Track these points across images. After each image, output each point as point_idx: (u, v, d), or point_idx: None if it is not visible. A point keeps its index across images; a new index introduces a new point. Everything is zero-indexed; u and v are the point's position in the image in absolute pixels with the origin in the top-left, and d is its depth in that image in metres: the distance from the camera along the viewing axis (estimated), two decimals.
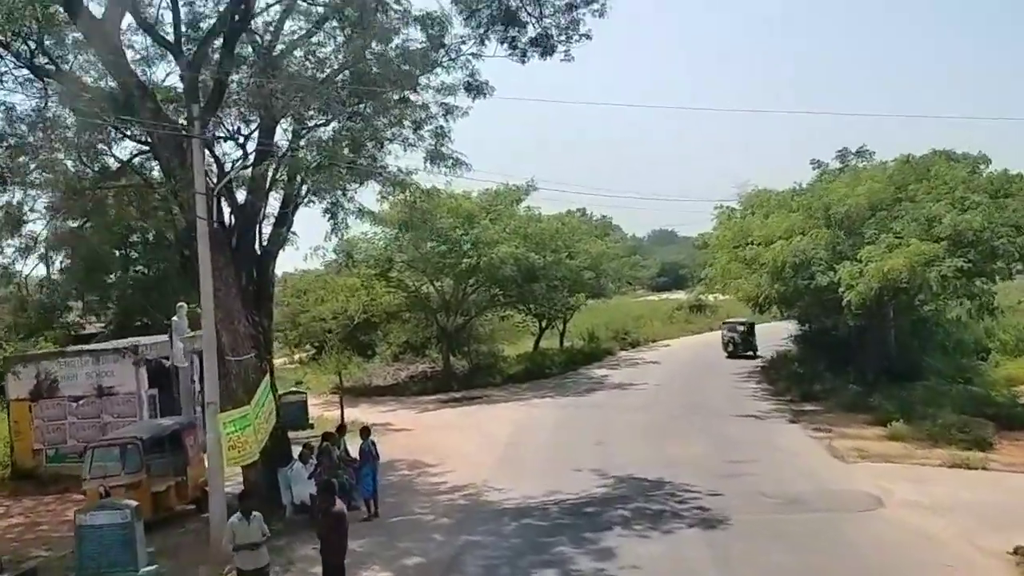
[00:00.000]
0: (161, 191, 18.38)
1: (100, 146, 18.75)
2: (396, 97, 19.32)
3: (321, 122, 20.21)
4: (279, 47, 19.81)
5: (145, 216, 20.85)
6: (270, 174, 19.49)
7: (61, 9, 16.92)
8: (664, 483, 19.21)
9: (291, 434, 28.67)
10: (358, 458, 18.26)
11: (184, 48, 18.09)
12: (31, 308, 23.96)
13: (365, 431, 18.39)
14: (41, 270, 40.70)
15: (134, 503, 13.96)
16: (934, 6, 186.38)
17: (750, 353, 44.51)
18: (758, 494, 18.01)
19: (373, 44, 18.91)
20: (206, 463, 16.17)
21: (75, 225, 19.61)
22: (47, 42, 18.69)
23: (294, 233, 20.32)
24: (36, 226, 22.51)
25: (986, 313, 34.39)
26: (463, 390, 37.97)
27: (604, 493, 18.65)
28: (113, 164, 20.33)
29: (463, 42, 20.15)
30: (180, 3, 18.46)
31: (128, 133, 18.87)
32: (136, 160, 20.86)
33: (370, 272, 37.24)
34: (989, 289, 29.64)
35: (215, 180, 19.56)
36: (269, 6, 19.59)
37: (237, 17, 18.21)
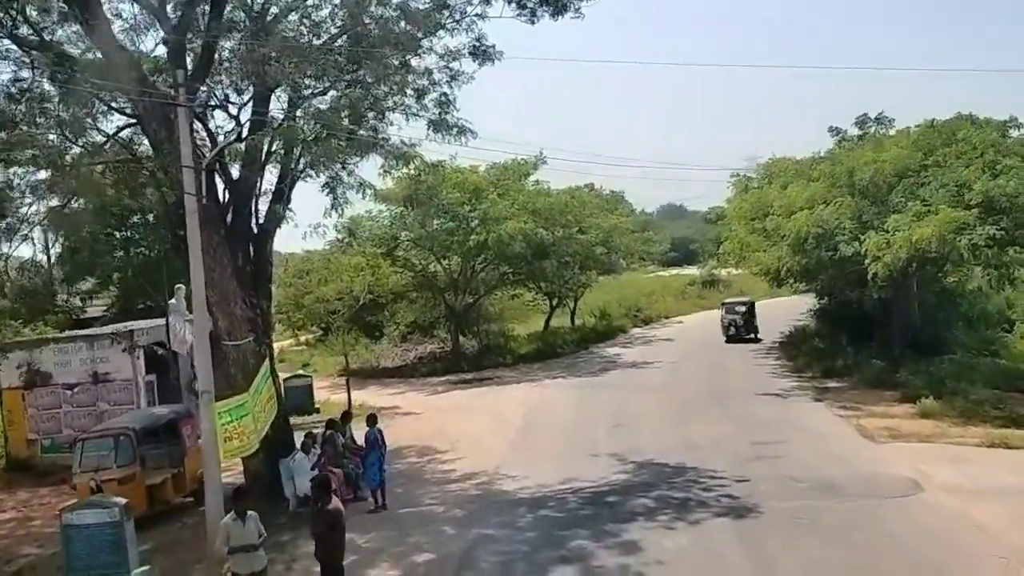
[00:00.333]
0: (149, 166, 17.27)
1: (85, 120, 17.60)
2: (397, 62, 18.09)
3: (319, 90, 19.08)
4: (272, 10, 18.61)
5: (134, 194, 19.76)
6: (265, 147, 18.36)
7: None
8: (687, 468, 18.17)
9: (297, 419, 28.04)
10: (364, 446, 17.27)
11: (170, 12, 16.91)
12: (10, 293, 22.92)
13: (371, 418, 17.40)
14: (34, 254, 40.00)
15: (123, 501, 13.00)
16: None
17: (751, 336, 41.48)
18: (788, 479, 16.94)
19: (372, 5, 17.70)
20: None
21: (58, 204, 18.54)
22: (30, 11, 17.60)
23: (291, 210, 19.19)
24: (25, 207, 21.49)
25: (1007, 283, 33.40)
26: (473, 371, 37.06)
27: (624, 480, 17.61)
28: (101, 139, 19.19)
29: (468, 1, 18.93)
30: None
31: (114, 105, 17.79)
32: (125, 134, 19.82)
33: (375, 251, 36.22)
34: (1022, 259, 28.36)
35: (213, 158, 18.58)
36: None
37: None
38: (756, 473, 17.42)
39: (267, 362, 17.37)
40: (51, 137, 17.86)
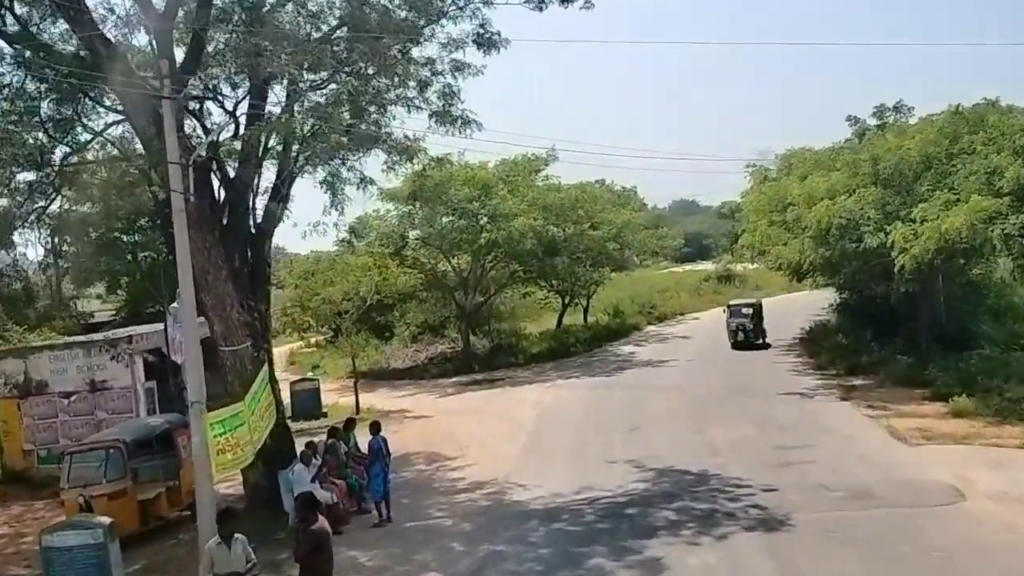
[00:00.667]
0: (139, 164, 16.43)
1: (70, 116, 16.79)
2: (397, 49, 17.16)
3: (317, 83, 18.20)
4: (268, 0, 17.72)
5: (124, 194, 18.94)
6: (262, 142, 17.47)
7: None
8: (710, 476, 17.16)
9: (304, 424, 27.25)
10: (368, 455, 16.36)
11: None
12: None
13: (375, 425, 16.47)
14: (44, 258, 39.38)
15: (107, 521, 12.14)
16: None
17: (760, 341, 36.95)
18: (818, 487, 15.92)
19: None
20: None
21: (43, 205, 17.74)
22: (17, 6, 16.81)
23: (289, 210, 18.30)
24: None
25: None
26: (484, 371, 36.14)
27: (644, 489, 16.62)
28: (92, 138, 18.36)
29: None
30: None
31: (103, 101, 16.96)
32: (118, 133, 19.02)
33: (383, 251, 35.35)
34: None
35: (204, 152, 17.72)
36: None
37: None
38: (784, 481, 16.41)
39: (266, 368, 16.48)
40: (37, 135, 17.01)
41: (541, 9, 18.54)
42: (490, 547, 14.01)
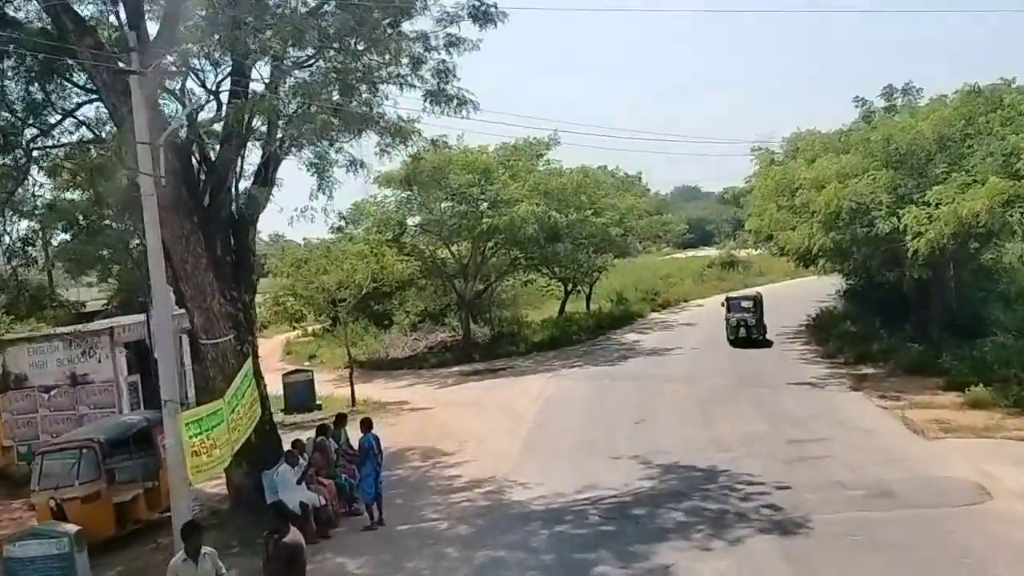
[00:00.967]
0: (112, 145, 15.47)
1: (39, 96, 15.82)
2: (388, 23, 16.16)
3: (302, 60, 17.19)
4: None
5: (98, 178, 17.94)
6: (244, 122, 16.47)
7: None
8: (720, 472, 16.25)
9: (298, 417, 26.38)
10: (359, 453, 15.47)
11: None
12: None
13: (366, 423, 15.54)
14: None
15: (73, 529, 11.28)
16: None
17: (761, 337, 33.46)
18: (836, 485, 15.02)
19: None
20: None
21: (10, 190, 16.67)
22: None
23: (274, 195, 17.30)
24: None
25: None
26: (485, 360, 35.25)
27: (650, 488, 15.72)
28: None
29: None
30: None
31: (73, 79, 15.97)
32: (94, 115, 18.02)
33: (380, 238, 34.39)
34: None
35: (184, 132, 16.77)
36: None
37: None
38: (799, 478, 15.51)
39: (250, 362, 15.53)
40: (4, 116, 16.02)
41: None
42: (488, 553, 13.12)
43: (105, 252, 41.77)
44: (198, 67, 16.62)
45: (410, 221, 36.27)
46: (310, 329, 45.18)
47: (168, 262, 16.17)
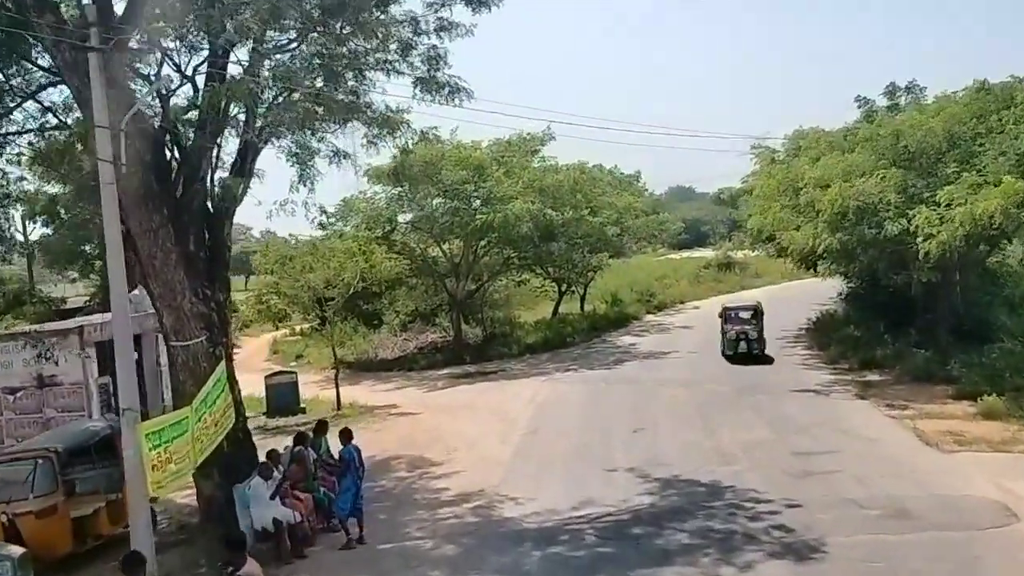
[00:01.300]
0: (76, 130, 14.41)
1: None
2: (374, 4, 15.11)
3: (284, 42, 16.13)
4: None
5: (58, 165, 16.88)
6: (221, 108, 15.38)
7: None
8: (724, 488, 15.25)
9: (281, 421, 25.29)
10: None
11: None
12: None
13: (346, 434, 14.46)
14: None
15: (18, 551, 10.20)
16: None
17: (761, 351, 30.00)
18: (849, 503, 14.02)
19: None
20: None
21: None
22: None
23: (251, 187, 16.19)
24: None
25: None
26: (476, 362, 34.20)
27: (651, 504, 14.69)
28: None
29: None
30: None
31: (33, 58, 14.89)
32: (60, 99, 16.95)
33: (369, 235, 33.34)
34: None
35: (159, 119, 15.71)
36: None
37: None
38: (809, 495, 14.52)
39: (223, 365, 14.47)
40: None
41: None
42: None
43: (87, 247, 40.70)
44: (172, 49, 15.46)
45: (401, 218, 35.32)
46: (298, 328, 44.06)
47: (136, 257, 15.24)
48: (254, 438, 22.87)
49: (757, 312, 30.79)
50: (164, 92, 16.04)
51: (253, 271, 27.47)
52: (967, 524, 12.79)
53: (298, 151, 15.89)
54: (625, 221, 40.98)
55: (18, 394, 19.96)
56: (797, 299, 43.45)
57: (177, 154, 16.00)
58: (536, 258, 37.87)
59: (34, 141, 17.04)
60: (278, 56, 16.30)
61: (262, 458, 14.90)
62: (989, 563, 11.42)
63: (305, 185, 15.84)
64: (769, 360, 29.62)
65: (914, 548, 12.03)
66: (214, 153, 16.23)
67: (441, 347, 37.17)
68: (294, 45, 16.30)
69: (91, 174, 17.33)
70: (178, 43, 15.60)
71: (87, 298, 42.59)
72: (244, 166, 16.44)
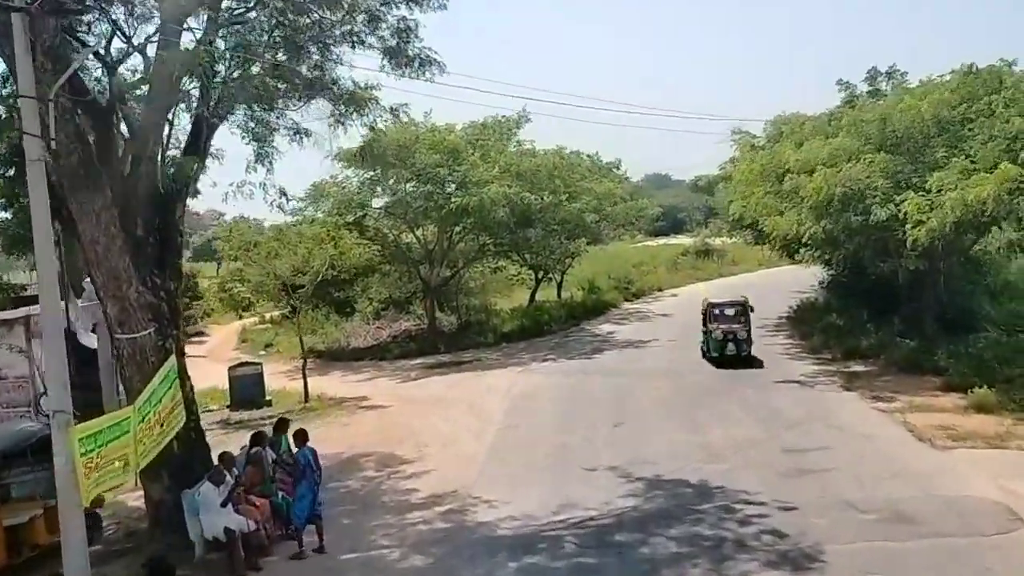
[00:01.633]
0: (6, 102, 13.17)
1: None
2: None
3: (241, 12, 14.93)
4: None
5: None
6: (172, 79, 14.16)
7: None
8: (712, 489, 14.37)
9: (245, 414, 24.13)
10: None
11: None
12: None
13: (300, 435, 13.37)
14: None
15: None
16: None
17: (748, 352, 26.78)
18: (845, 506, 13.20)
19: None
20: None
21: None
22: None
23: (206, 167, 14.99)
24: None
25: (1017, 250, 29.83)
26: (451, 351, 33.19)
27: (634, 507, 13.76)
28: None
29: None
30: None
31: None
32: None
33: (340, 220, 32.15)
34: None
35: (108, 95, 14.49)
36: None
37: None
38: (802, 496, 13.69)
39: (173, 360, 13.35)
40: None
41: None
42: None
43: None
44: (116, 14, 14.17)
45: (374, 203, 34.18)
46: (267, 316, 42.75)
47: (78, 243, 14.06)
48: (216, 433, 22.04)
49: (745, 309, 27.33)
50: (110, 62, 14.84)
51: (215, 257, 26.29)
52: (971, 530, 12.01)
53: (255, 128, 14.69)
54: (604, 207, 40.06)
55: None
56: (776, 287, 42.78)
57: (127, 132, 14.81)
58: (512, 244, 36.86)
59: None
60: (236, 26, 15.16)
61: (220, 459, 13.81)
62: (996, 573, 10.62)
63: (263, 165, 14.71)
64: (759, 363, 26.38)
65: (918, 557, 11.23)
66: (165, 130, 15.06)
67: (415, 336, 36.14)
68: (253, 14, 15.17)
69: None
70: (125, 8, 14.34)
71: None
72: (198, 144, 15.27)
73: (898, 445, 16.83)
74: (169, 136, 15.26)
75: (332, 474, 16.78)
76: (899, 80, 30.00)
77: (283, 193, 15.42)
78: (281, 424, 15.11)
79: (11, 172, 30.71)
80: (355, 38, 15.73)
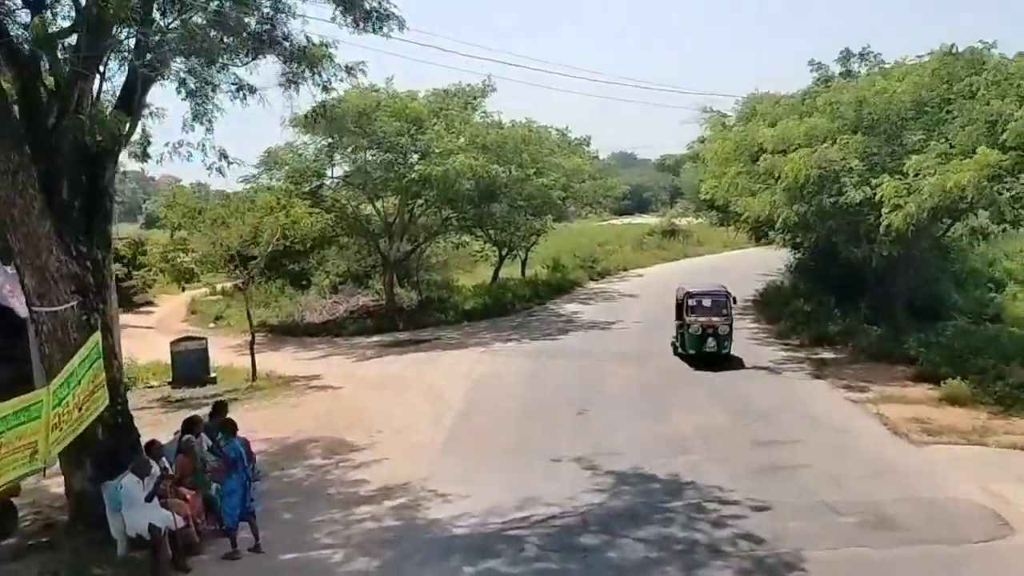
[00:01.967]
0: None
1: None
2: None
3: None
4: None
5: None
6: (103, 26, 12.73)
7: None
8: (682, 484, 13.50)
9: (187, 392, 22.77)
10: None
11: None
12: None
13: (230, 424, 12.12)
14: None
15: None
16: None
17: (728, 349, 23.47)
18: (823, 507, 12.40)
19: None
20: None
21: None
22: None
23: (136, 125, 13.58)
24: None
25: (979, 238, 29.42)
26: (410, 329, 32.02)
27: (600, 504, 12.83)
28: None
29: None
30: None
31: None
32: None
33: (295, 189, 30.68)
34: None
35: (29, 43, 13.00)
36: None
37: None
38: (776, 494, 12.87)
39: (97, 336, 12.09)
40: None
41: None
42: None
43: None
44: None
45: (331, 172, 32.80)
46: (219, 287, 41.12)
47: None
48: (155, 412, 20.71)
49: (727, 300, 23.96)
50: (36, 4, 13.34)
51: (157, 223, 24.84)
52: (959, 536, 11.26)
53: (193, 83, 13.34)
54: (572, 185, 39.02)
55: None
56: (740, 269, 42.15)
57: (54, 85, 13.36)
58: (476, 219, 35.67)
59: None
60: None
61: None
62: None
63: (201, 124, 13.35)
64: (740, 364, 23.11)
65: (904, 566, 10.49)
66: (96, 83, 13.64)
67: (373, 311, 34.86)
68: None
69: None
70: None
71: None
72: (132, 100, 13.85)
73: (873, 439, 16.13)
74: (100, 90, 13.88)
75: (276, 461, 15.74)
76: (873, 62, 29.30)
77: (224, 155, 14.07)
78: (219, 408, 13.91)
79: None
80: None
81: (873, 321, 26.34)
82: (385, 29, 14.08)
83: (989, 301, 33.31)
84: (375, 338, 30.92)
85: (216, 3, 13.75)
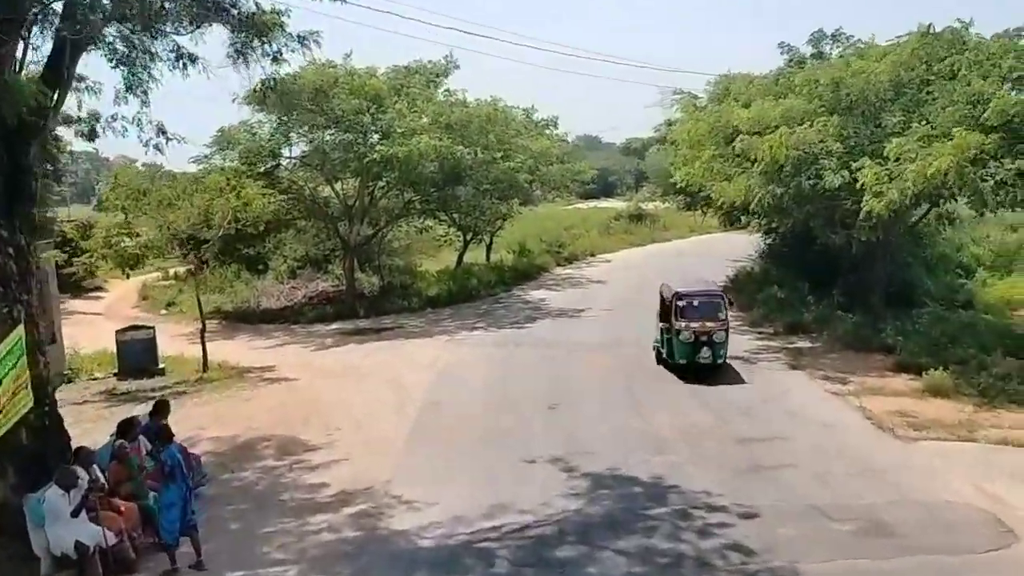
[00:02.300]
0: None
1: None
2: None
3: None
4: None
5: None
6: None
7: None
8: (664, 488, 12.60)
9: (134, 384, 21.46)
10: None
11: None
12: None
13: (165, 432, 10.96)
14: None
15: None
16: None
17: (722, 361, 20.09)
18: (814, 512, 11.58)
19: None
20: None
21: None
22: None
23: (64, 98, 12.25)
24: None
25: (946, 223, 29.14)
26: (371, 316, 30.82)
27: (577, 511, 11.86)
28: None
29: None
30: None
31: None
32: None
33: (249, 170, 29.23)
34: None
35: None
36: None
37: None
38: (763, 498, 12.05)
39: (20, 331, 10.82)
40: None
41: None
42: None
43: None
44: None
45: (287, 153, 31.38)
46: (171, 272, 39.45)
47: None
48: (98, 406, 19.36)
49: (724, 303, 20.70)
50: None
51: (101, 206, 23.40)
52: (961, 545, 10.50)
53: (124, 49, 12.04)
54: (539, 168, 37.94)
55: None
56: (710, 254, 41.70)
57: None
58: (440, 203, 34.43)
59: None
60: None
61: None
62: None
63: (136, 95, 12.06)
64: (739, 379, 19.76)
65: None
66: (19, 51, 12.28)
67: (332, 298, 33.55)
68: None
69: None
70: None
71: None
72: (59, 70, 12.52)
73: (858, 435, 15.41)
74: (24, 59, 12.52)
75: (225, 462, 14.59)
76: (846, 43, 28.63)
77: (162, 131, 12.81)
78: (160, 407, 12.72)
79: None
80: None
81: (847, 308, 25.80)
82: None
83: (959, 287, 33.01)
84: (335, 325, 29.70)
85: None
